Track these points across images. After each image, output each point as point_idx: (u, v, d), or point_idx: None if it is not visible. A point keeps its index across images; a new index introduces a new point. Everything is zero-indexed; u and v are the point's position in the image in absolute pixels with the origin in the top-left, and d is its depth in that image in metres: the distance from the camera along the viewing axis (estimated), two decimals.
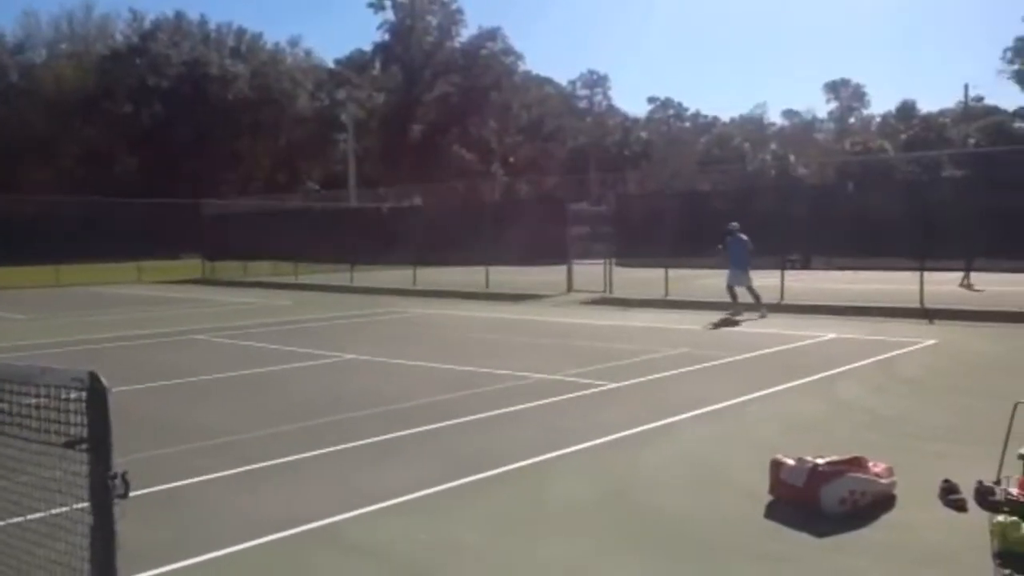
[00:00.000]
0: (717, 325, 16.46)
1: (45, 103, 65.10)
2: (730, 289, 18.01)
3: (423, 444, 7.46)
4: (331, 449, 7.20)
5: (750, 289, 17.91)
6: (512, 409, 8.75)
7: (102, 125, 66.30)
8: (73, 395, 2.81)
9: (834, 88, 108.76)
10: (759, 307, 17.68)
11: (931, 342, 13.49)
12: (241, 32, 78.39)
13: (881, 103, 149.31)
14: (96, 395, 2.73)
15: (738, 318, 17.20)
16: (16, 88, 67.42)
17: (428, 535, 5.26)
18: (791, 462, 5.63)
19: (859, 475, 5.52)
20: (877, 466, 5.71)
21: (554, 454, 6.94)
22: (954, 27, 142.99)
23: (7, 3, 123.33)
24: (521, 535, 5.25)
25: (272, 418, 8.50)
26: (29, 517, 3.23)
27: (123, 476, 2.70)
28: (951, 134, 68.44)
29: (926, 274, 18.19)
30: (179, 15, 75.14)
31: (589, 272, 24.04)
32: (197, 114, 66.88)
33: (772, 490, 5.68)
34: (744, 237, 17.94)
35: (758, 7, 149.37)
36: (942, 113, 76.66)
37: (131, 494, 2.69)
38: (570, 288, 24.18)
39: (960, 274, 20.97)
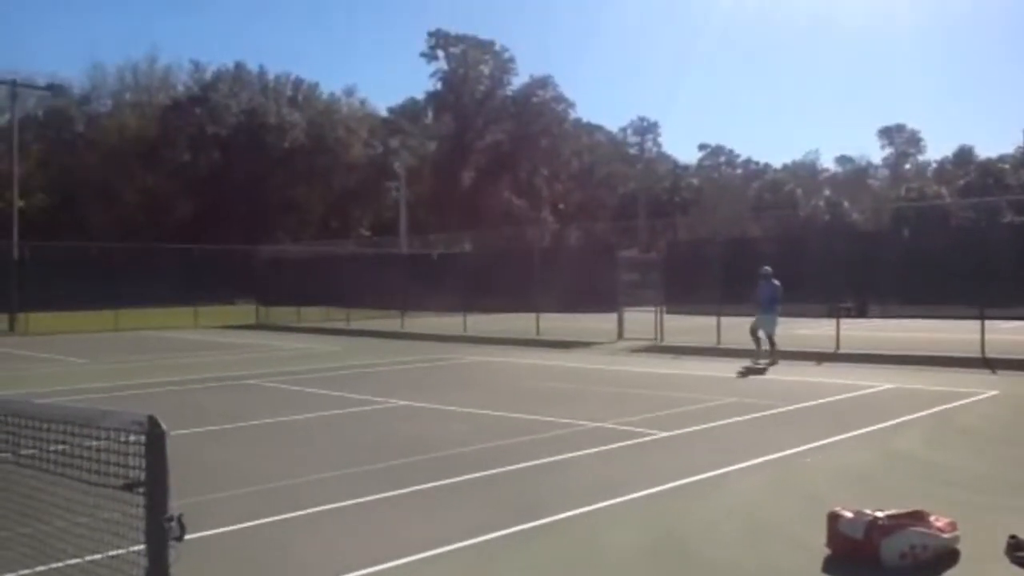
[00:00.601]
0: (770, 374, 16.23)
1: (108, 151, 67.11)
2: (754, 333, 17.94)
3: (472, 491, 7.42)
4: (380, 496, 7.20)
5: (770, 336, 17.90)
6: (563, 457, 8.68)
7: (162, 172, 68.12)
8: (132, 438, 2.86)
9: (888, 134, 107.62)
10: (773, 355, 17.63)
11: (992, 393, 13.13)
12: (298, 82, 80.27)
13: (937, 149, 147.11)
14: (154, 439, 2.77)
15: (760, 365, 17.13)
16: (82, 137, 69.68)
17: None
18: (849, 514, 5.49)
19: (921, 529, 5.36)
20: (939, 520, 5.55)
21: (605, 503, 6.86)
22: (1012, 71, 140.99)
23: (76, 56, 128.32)
24: None
25: (323, 463, 8.54)
26: (87, 558, 3.28)
27: (179, 519, 2.73)
28: (1010, 180, 67.23)
29: (988, 323, 17.75)
30: (239, 66, 77.27)
31: (639, 319, 23.91)
32: (254, 162, 68.42)
33: (829, 543, 5.54)
34: (776, 282, 17.86)
35: (810, 53, 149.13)
36: (1001, 159, 75.34)
37: (186, 538, 2.72)
38: (620, 335, 24.05)
39: None
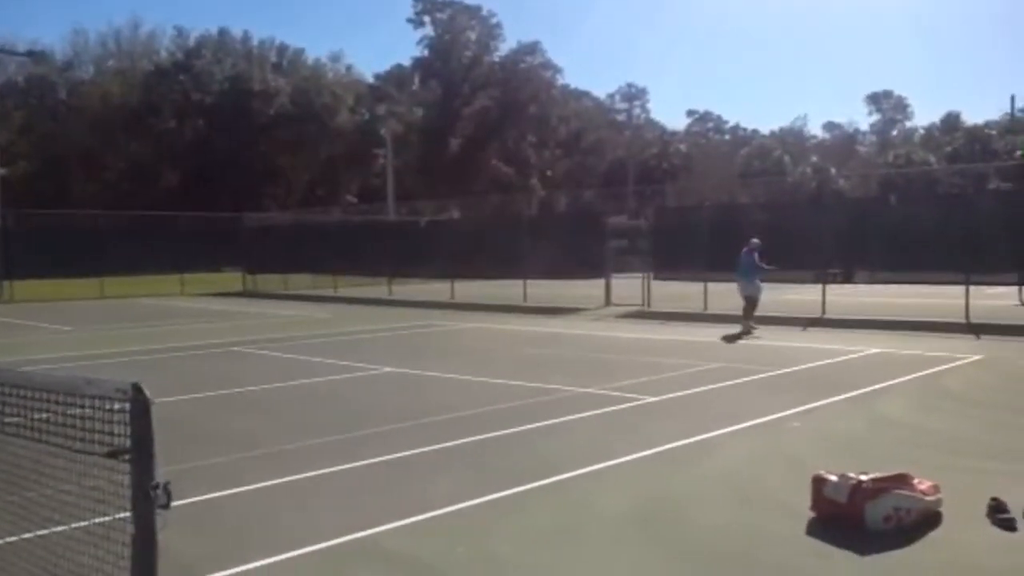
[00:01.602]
0: (756, 339, 16.31)
1: (92, 118, 66.41)
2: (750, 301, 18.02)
3: (462, 457, 7.46)
4: (370, 461, 7.22)
5: (754, 300, 17.93)
6: (550, 423, 8.72)
7: (147, 140, 67.51)
8: (117, 406, 2.84)
9: (876, 100, 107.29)
10: (748, 320, 17.73)
11: (977, 357, 13.24)
12: (283, 48, 79.41)
13: (925, 115, 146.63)
14: (139, 406, 2.75)
15: (748, 330, 17.22)
16: (64, 104, 68.89)
17: (466, 548, 5.26)
18: (834, 478, 5.54)
19: (904, 492, 5.41)
20: (922, 483, 5.60)
21: (592, 468, 6.90)
22: (999, 37, 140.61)
23: (58, 21, 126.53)
24: (558, 549, 5.22)
25: (312, 430, 8.55)
26: (72, 526, 3.27)
27: (165, 486, 2.72)
28: (997, 146, 67.28)
29: (973, 289, 17.87)
30: (223, 32, 76.37)
31: (627, 286, 23.95)
32: (239, 129, 67.82)
33: (814, 507, 5.59)
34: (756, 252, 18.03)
35: (798, 20, 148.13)
36: (988, 125, 75.31)
37: (173, 504, 2.71)
38: (608, 302, 24.10)
39: (1014, 289, 20.50)
